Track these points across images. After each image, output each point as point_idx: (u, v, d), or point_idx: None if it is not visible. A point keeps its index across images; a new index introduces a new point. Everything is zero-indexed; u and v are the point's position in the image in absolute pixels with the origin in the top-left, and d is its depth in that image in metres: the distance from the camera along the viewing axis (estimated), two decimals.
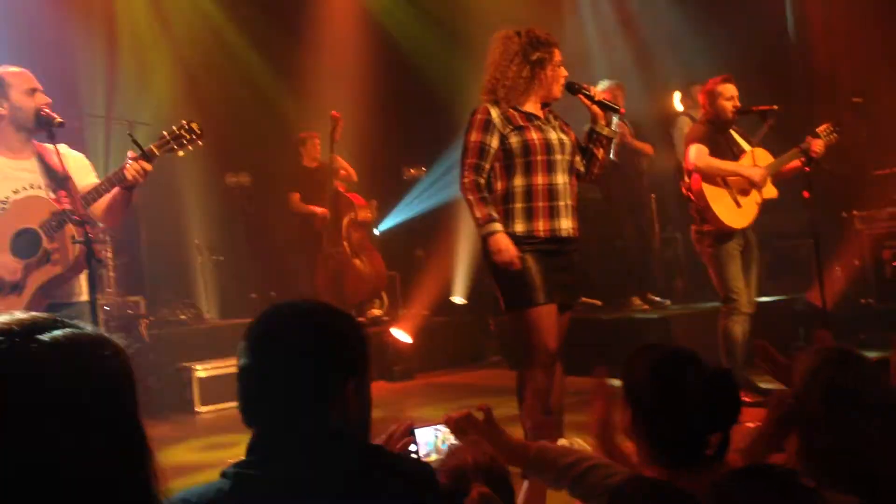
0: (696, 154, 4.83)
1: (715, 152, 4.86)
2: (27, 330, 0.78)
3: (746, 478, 0.95)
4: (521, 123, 3.69)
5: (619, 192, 6.93)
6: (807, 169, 4.87)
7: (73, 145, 3.52)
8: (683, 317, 6.28)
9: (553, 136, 3.73)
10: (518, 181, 3.67)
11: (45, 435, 0.73)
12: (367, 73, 8.18)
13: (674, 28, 7.78)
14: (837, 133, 5.01)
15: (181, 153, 3.38)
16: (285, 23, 8.03)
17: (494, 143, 3.66)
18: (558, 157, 3.71)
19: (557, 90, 3.78)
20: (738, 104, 4.92)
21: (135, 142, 3.29)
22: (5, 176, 3.28)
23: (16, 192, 3.27)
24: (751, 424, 1.93)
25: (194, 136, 3.36)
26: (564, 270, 3.72)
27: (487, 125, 3.66)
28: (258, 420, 1.45)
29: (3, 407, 0.73)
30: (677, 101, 7.36)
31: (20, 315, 0.80)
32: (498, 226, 3.59)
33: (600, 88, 6.55)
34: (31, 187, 3.29)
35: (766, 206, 4.99)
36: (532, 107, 3.77)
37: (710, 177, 4.85)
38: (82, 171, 3.40)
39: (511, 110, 3.71)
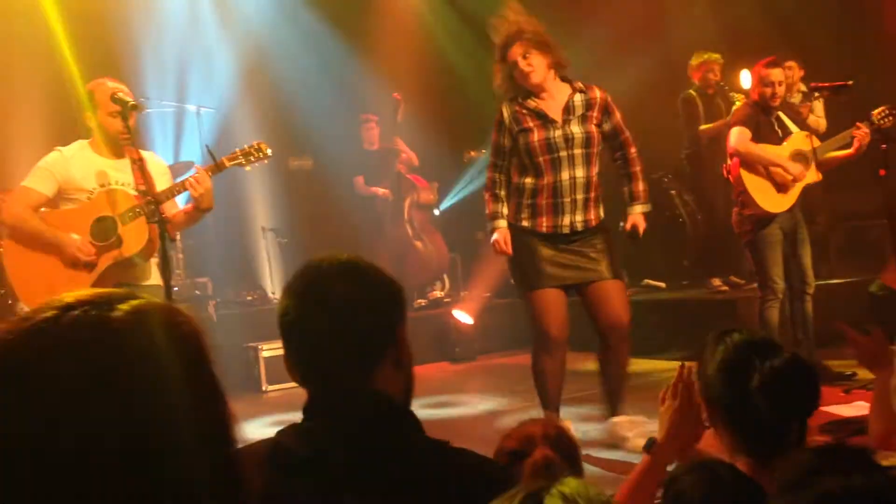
0: (738, 138, 4.72)
1: (758, 136, 4.76)
2: (106, 300, 0.83)
3: (817, 458, 0.93)
4: (527, 125, 3.88)
5: (710, 173, 6.75)
6: (883, 147, 4.73)
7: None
8: (750, 299, 6.15)
9: (557, 133, 3.84)
10: (527, 179, 3.90)
11: (130, 395, 0.78)
12: (429, 54, 8.17)
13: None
14: (894, 116, 4.85)
15: (248, 168, 3.91)
16: (348, 6, 8.07)
17: (507, 142, 3.93)
18: (563, 154, 3.84)
19: (531, 80, 3.86)
20: (778, 92, 4.80)
21: (210, 153, 3.76)
22: (99, 172, 3.73)
23: (102, 185, 3.72)
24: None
25: (262, 156, 3.85)
26: (575, 252, 3.88)
27: (501, 126, 3.94)
28: (308, 378, 1.43)
29: (88, 371, 0.77)
30: (745, 79, 7.18)
31: (97, 290, 0.86)
32: (501, 223, 3.94)
33: (695, 62, 6.46)
34: (118, 183, 3.73)
35: (837, 185, 4.85)
36: (548, 99, 3.88)
37: (750, 162, 4.76)
38: (163, 178, 3.82)
39: (520, 109, 3.89)
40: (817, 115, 6.13)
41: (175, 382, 0.81)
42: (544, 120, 3.86)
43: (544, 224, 3.88)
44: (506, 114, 3.90)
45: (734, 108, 6.27)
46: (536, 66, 3.83)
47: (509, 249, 3.89)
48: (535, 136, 3.84)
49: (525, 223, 3.91)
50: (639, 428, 3.79)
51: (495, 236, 3.94)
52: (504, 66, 3.91)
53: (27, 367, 0.77)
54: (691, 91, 6.65)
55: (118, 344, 0.80)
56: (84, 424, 0.76)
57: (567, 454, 1.70)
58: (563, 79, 3.94)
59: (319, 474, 1.31)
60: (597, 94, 3.92)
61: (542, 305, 3.83)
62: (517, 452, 1.62)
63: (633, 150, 3.99)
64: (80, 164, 3.71)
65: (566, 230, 3.86)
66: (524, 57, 3.84)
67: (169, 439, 0.79)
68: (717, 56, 6.67)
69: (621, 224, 4.16)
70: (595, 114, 3.89)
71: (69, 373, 0.77)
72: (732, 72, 6.91)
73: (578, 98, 3.90)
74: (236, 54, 7.65)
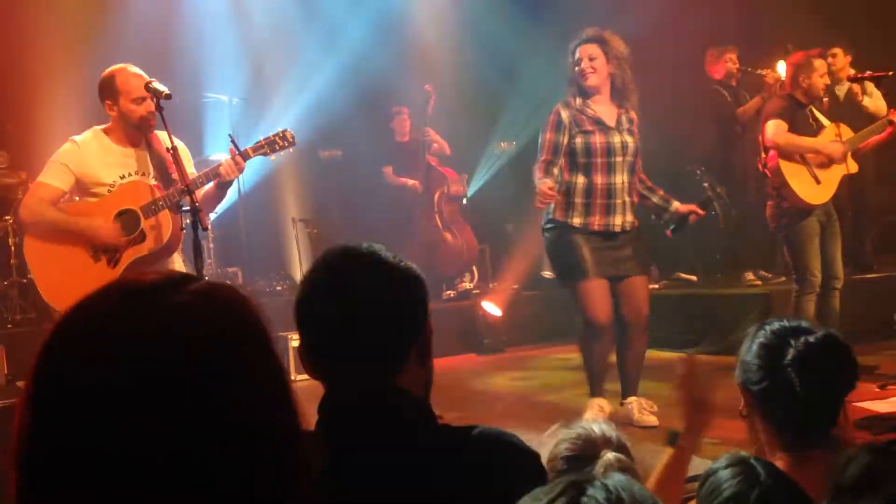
0: (775, 130, 4.73)
1: (794, 128, 4.73)
2: (174, 283, 0.82)
3: (877, 459, 0.90)
4: (587, 128, 4.08)
5: (742, 166, 6.65)
6: None
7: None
8: (783, 293, 6.06)
9: (616, 139, 4.09)
10: (580, 178, 4.07)
11: (207, 377, 0.77)
12: (460, 46, 8.14)
13: None
14: None
15: (273, 157, 3.76)
16: None
17: (565, 140, 4.07)
18: (618, 159, 4.09)
19: (588, 81, 4.07)
20: (828, 81, 4.80)
21: (233, 143, 3.59)
22: (117, 162, 3.56)
23: (122, 177, 3.55)
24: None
25: (287, 143, 3.69)
26: (616, 248, 4.11)
27: (559, 125, 4.07)
28: (321, 370, 1.37)
29: (169, 354, 0.76)
30: (783, 70, 7.06)
31: (159, 275, 0.84)
32: (548, 180, 3.94)
33: (710, 59, 6.42)
34: (137, 174, 3.57)
35: (875, 179, 4.78)
36: (601, 104, 4.08)
37: (788, 153, 4.71)
38: (189, 163, 3.65)
39: (580, 114, 4.08)
40: (874, 97, 6.01)
41: (248, 365, 0.80)
42: (602, 126, 4.08)
43: (597, 223, 4.07)
44: (564, 115, 4.08)
45: (765, 78, 6.20)
46: (598, 70, 4.06)
47: (554, 195, 3.94)
48: (597, 139, 4.06)
49: (576, 221, 4.07)
50: (646, 407, 4.10)
51: (540, 187, 3.89)
52: (571, 59, 4.09)
53: (97, 363, 0.75)
54: (716, 86, 6.64)
55: (189, 323, 0.78)
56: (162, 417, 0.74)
57: (623, 451, 1.67)
58: (613, 98, 4.14)
59: (332, 482, 1.27)
60: (634, 115, 4.20)
61: (591, 295, 4.04)
62: (577, 458, 1.55)
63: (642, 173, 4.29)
64: (97, 154, 3.52)
65: (617, 229, 4.09)
66: (591, 59, 4.06)
67: (242, 430, 0.77)
68: (731, 47, 6.62)
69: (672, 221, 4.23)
70: (635, 129, 4.18)
71: (146, 363, 0.75)
72: (768, 60, 6.83)
73: (624, 116, 4.16)
74: (267, 45, 7.67)
